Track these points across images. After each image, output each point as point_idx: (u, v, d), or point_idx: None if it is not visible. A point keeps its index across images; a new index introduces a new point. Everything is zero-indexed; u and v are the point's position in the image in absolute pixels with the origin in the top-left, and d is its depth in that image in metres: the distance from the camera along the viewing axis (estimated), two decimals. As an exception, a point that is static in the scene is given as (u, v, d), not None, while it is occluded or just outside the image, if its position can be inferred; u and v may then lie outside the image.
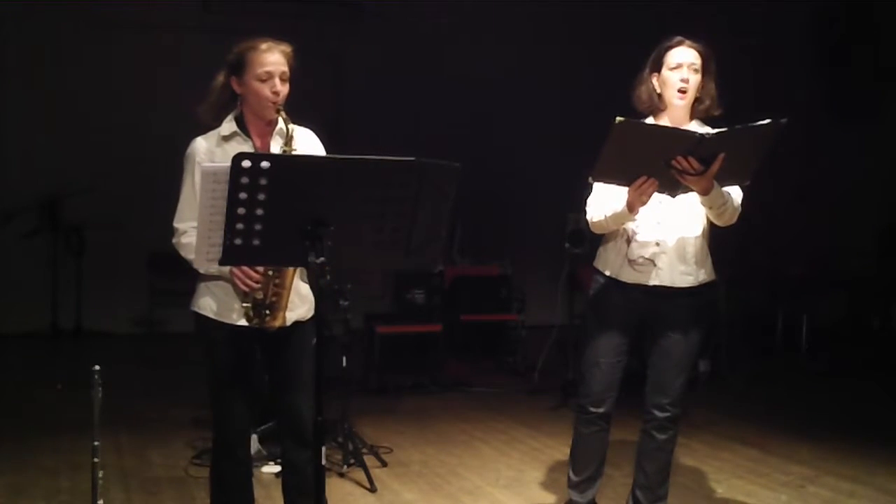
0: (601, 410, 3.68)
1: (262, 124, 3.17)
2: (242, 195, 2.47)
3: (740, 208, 3.48)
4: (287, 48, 3.16)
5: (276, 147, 3.15)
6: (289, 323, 3.16)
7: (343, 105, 8.87)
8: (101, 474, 3.33)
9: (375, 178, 2.59)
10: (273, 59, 3.10)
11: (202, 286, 3.20)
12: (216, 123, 3.19)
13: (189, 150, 3.17)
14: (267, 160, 2.48)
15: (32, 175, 8.59)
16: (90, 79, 8.71)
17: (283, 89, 3.11)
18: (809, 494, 4.58)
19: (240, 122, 3.18)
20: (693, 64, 3.44)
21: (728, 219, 3.47)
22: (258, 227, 2.51)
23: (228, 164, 2.45)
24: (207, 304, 3.19)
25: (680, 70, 3.44)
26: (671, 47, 3.47)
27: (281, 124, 3.11)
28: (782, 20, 9.64)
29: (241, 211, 2.49)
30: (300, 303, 3.19)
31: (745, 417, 6.15)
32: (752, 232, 6.76)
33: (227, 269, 3.01)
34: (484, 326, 7.87)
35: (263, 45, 3.11)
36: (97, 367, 3.20)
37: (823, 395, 7.03)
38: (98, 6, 8.51)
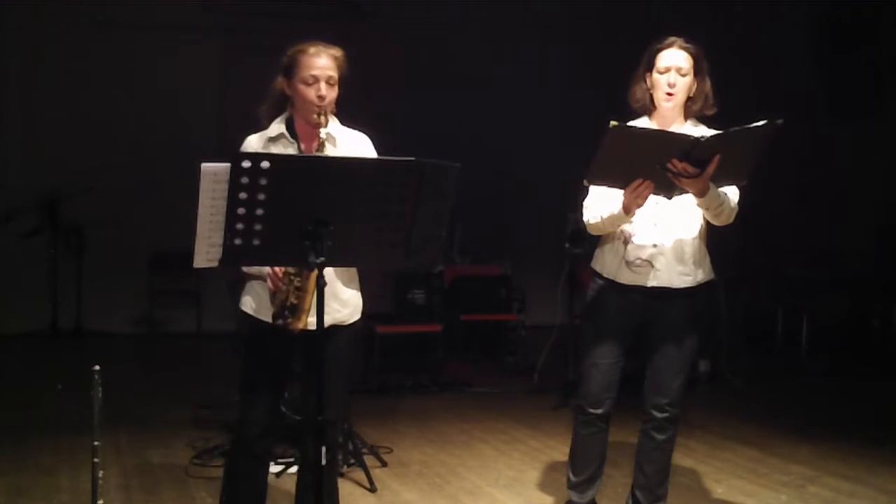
0: (600, 411, 3.68)
1: (311, 128, 3.14)
2: (242, 195, 2.48)
3: (737, 208, 3.47)
4: (337, 52, 3.15)
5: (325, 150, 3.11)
6: (325, 326, 3.16)
7: (342, 105, 8.87)
8: (101, 474, 3.32)
9: (375, 178, 2.60)
10: (320, 63, 3.09)
11: (248, 284, 3.24)
12: (269, 123, 3.22)
13: (241, 148, 3.20)
14: (267, 160, 2.48)
15: (32, 175, 8.58)
16: (90, 79, 8.71)
17: (330, 94, 3.10)
18: (809, 494, 4.58)
19: (289, 124, 3.20)
20: (681, 67, 3.43)
21: (725, 219, 3.46)
22: (258, 226, 2.52)
23: (228, 163, 2.46)
24: (249, 301, 3.24)
25: (668, 74, 3.44)
26: (661, 49, 3.47)
27: (328, 128, 3.10)
28: (782, 20, 9.65)
29: (241, 211, 2.49)
30: (339, 307, 3.19)
31: (745, 417, 6.14)
32: (752, 232, 6.76)
33: (266, 267, 3.04)
34: (484, 326, 7.87)
35: (312, 49, 3.11)
36: (97, 367, 3.20)
37: (823, 395, 7.02)
38: (98, 6, 8.51)
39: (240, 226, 2.51)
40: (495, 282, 8.01)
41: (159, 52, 8.76)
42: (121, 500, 4.27)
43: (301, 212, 2.54)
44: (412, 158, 2.58)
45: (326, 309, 3.13)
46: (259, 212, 2.50)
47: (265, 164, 2.46)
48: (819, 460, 5.15)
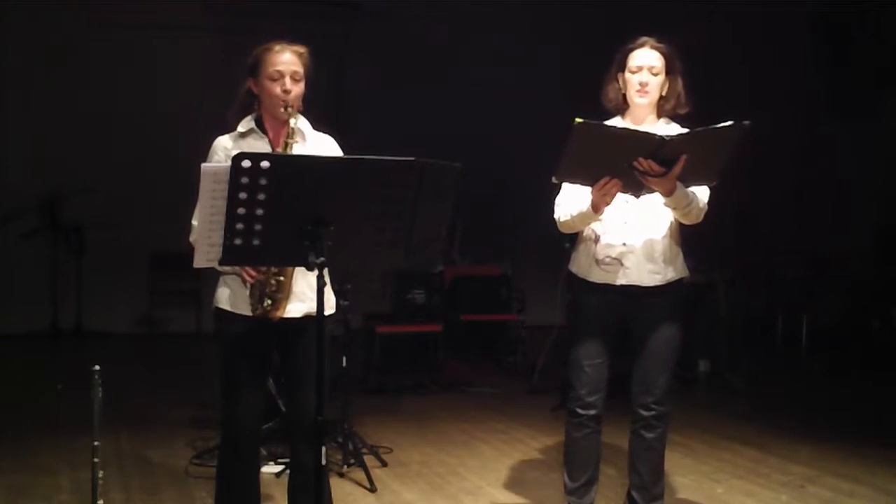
0: (592, 412, 3.68)
1: (279, 124, 3.20)
2: (242, 195, 2.48)
3: (707, 208, 3.49)
4: (301, 49, 3.21)
5: (294, 147, 3.15)
6: (299, 315, 3.17)
7: (343, 105, 8.87)
8: (101, 474, 3.33)
9: (375, 178, 2.60)
10: (284, 58, 3.15)
11: (220, 279, 3.24)
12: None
13: (211, 149, 3.25)
14: (267, 160, 2.48)
15: (32, 175, 8.59)
16: (90, 79, 8.71)
17: (295, 88, 3.15)
18: (809, 494, 4.58)
19: (258, 122, 3.24)
20: (653, 67, 3.47)
21: (694, 219, 3.49)
22: (258, 226, 2.52)
23: (228, 164, 2.46)
24: (224, 296, 3.23)
25: (640, 73, 3.48)
26: (633, 49, 3.52)
27: (293, 123, 3.13)
28: (782, 20, 9.65)
29: (241, 211, 2.49)
30: (314, 296, 3.17)
31: (745, 417, 6.14)
32: (752, 232, 6.77)
33: None
34: (484, 326, 7.87)
35: (277, 47, 3.18)
36: (97, 367, 3.20)
37: (823, 395, 7.03)
38: (98, 6, 8.51)
39: (240, 226, 2.51)
40: (495, 282, 8.00)
41: (160, 53, 8.76)
42: (121, 500, 4.27)
43: (301, 212, 2.54)
44: (412, 158, 2.59)
45: (301, 297, 3.16)
46: (259, 212, 2.50)
47: (265, 164, 2.47)
48: (819, 460, 5.15)
